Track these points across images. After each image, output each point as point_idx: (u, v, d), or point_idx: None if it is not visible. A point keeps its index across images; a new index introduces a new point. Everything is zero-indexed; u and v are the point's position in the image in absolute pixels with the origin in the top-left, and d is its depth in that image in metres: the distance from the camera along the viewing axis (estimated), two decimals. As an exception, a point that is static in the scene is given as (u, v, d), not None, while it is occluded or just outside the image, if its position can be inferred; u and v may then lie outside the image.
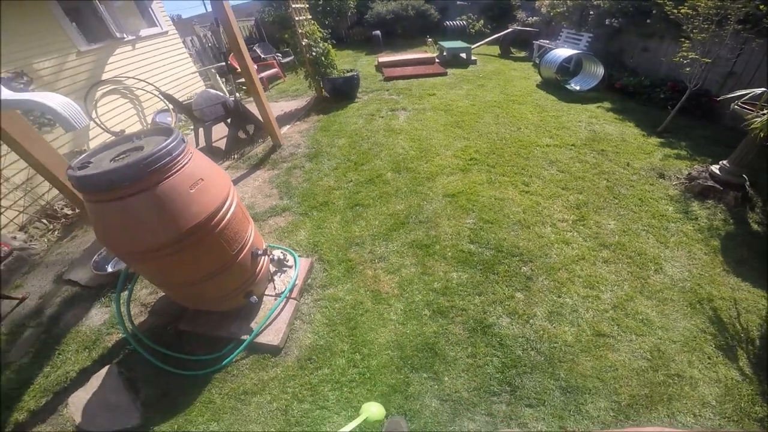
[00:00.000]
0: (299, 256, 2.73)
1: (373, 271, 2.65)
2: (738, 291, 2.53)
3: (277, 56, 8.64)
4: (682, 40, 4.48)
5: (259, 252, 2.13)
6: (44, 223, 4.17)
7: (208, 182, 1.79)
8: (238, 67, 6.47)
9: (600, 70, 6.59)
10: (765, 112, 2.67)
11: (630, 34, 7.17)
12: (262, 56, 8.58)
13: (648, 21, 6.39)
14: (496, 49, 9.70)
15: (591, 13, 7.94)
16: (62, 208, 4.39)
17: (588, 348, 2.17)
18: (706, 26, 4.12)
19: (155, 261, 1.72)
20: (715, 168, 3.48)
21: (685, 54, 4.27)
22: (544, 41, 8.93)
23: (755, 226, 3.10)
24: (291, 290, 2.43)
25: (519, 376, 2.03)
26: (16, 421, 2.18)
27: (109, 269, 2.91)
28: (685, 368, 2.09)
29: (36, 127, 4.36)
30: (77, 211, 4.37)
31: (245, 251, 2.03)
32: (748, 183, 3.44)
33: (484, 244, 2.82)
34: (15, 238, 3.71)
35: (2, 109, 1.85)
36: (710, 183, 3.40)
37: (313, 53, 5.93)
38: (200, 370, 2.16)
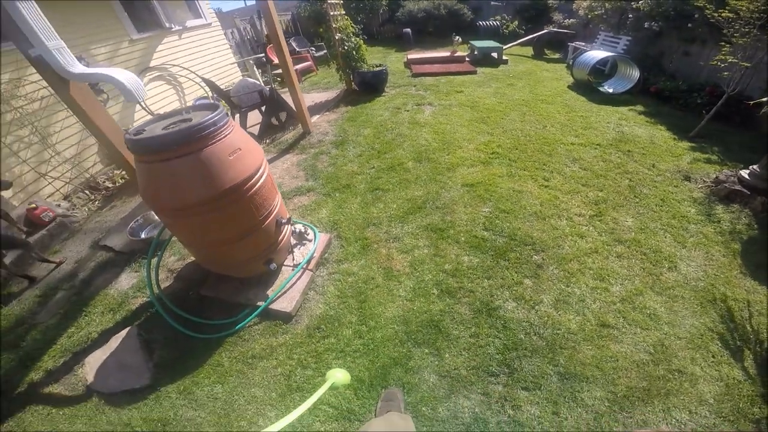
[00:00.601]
0: (319, 231, 2.92)
1: (387, 250, 2.79)
2: (753, 294, 2.48)
3: (311, 50, 8.95)
4: (723, 44, 4.33)
5: (283, 221, 2.32)
6: (86, 194, 4.59)
7: (245, 152, 2.01)
8: (274, 59, 6.77)
9: (635, 74, 6.41)
10: None
11: (671, 38, 6.91)
12: (297, 49, 8.91)
13: (689, 25, 6.15)
14: (529, 50, 9.57)
15: (630, 16, 7.71)
16: (104, 182, 4.80)
17: (591, 337, 2.20)
18: (747, 30, 3.98)
19: (193, 218, 1.94)
20: (744, 173, 3.37)
21: (723, 57, 4.13)
22: (580, 43, 8.74)
23: None
24: (308, 262, 2.62)
25: (518, 359, 2.09)
26: (31, 381, 2.34)
27: (143, 236, 3.20)
28: (687, 365, 2.08)
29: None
30: (117, 184, 4.78)
31: (271, 218, 2.23)
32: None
33: (498, 231, 2.89)
34: (59, 205, 4.11)
35: (77, 81, 2.13)
36: (737, 187, 3.30)
37: (345, 47, 6.14)
38: (215, 334, 2.34)
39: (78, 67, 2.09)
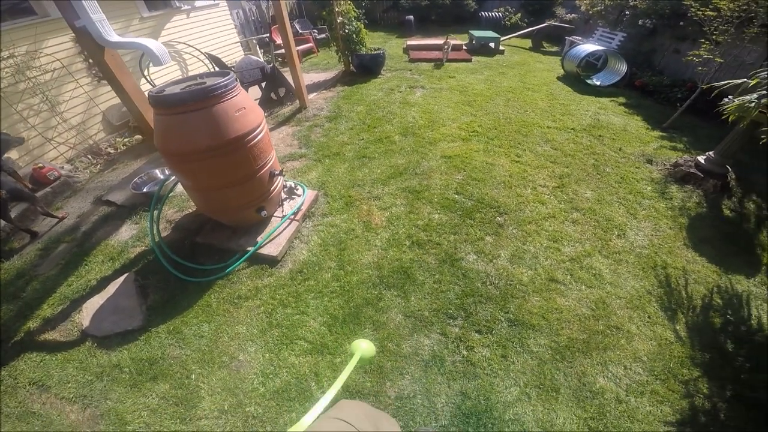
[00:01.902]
0: (308, 188, 3.24)
1: (368, 207, 3.13)
2: (692, 264, 2.78)
3: (313, 32, 9.14)
4: (702, 40, 4.59)
5: (276, 172, 2.64)
6: (89, 158, 4.83)
7: (248, 111, 2.35)
8: (277, 40, 6.99)
9: (623, 68, 6.68)
10: (741, 98, 2.86)
11: (664, 36, 7.14)
12: (300, 31, 9.10)
13: (681, 23, 6.39)
14: (528, 43, 9.77)
15: (627, 13, 7.93)
16: (106, 148, 5.06)
17: (539, 290, 2.51)
18: (724, 28, 4.24)
19: (201, 162, 2.27)
20: (701, 158, 3.69)
21: (697, 53, 4.41)
22: (576, 38, 8.96)
23: (727, 212, 3.32)
24: (296, 213, 2.95)
25: (474, 304, 2.40)
26: (28, 329, 2.45)
27: (145, 190, 3.49)
28: (625, 322, 2.33)
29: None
30: (119, 150, 5.04)
31: (265, 169, 2.55)
32: (733, 176, 3.63)
33: (467, 195, 3.23)
34: (62, 168, 4.38)
35: (113, 48, 2.43)
36: (693, 170, 3.63)
37: (346, 30, 6.37)
38: (206, 278, 2.59)
39: (114, 37, 2.40)
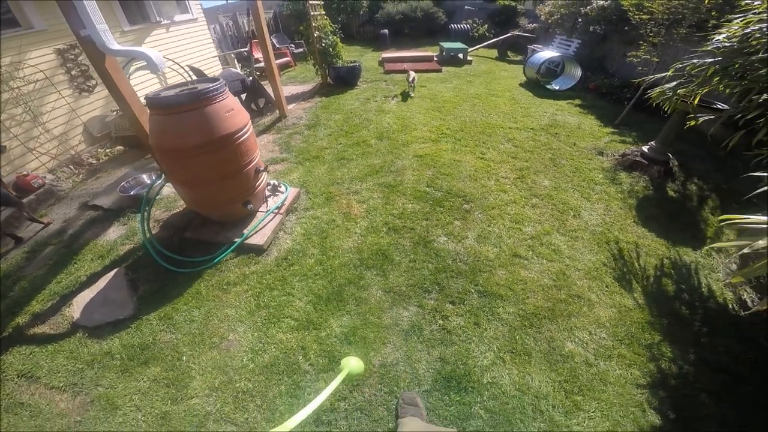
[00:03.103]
0: (290, 186, 3.48)
1: (347, 200, 3.40)
2: (642, 239, 3.11)
3: (290, 47, 9.48)
4: (641, 42, 5.15)
5: (261, 168, 2.89)
6: (71, 169, 4.89)
7: (236, 113, 2.63)
8: (256, 55, 7.26)
9: (578, 72, 7.29)
10: (662, 87, 3.29)
11: (613, 41, 7.82)
12: (277, 45, 9.42)
13: (626, 28, 7.04)
14: (494, 53, 10.39)
15: (580, 20, 8.64)
16: (88, 158, 5.14)
17: (505, 264, 2.80)
18: (656, 30, 4.79)
19: (193, 158, 2.51)
20: (645, 148, 4.16)
21: (636, 54, 4.95)
22: (537, 46, 9.62)
23: (671, 193, 3.74)
24: (280, 207, 3.19)
25: (447, 279, 2.66)
26: (17, 325, 2.50)
27: (132, 193, 3.63)
28: (585, 292, 2.58)
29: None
30: (101, 161, 5.13)
31: (251, 165, 2.80)
32: (675, 162, 4.10)
33: (437, 188, 3.55)
34: (44, 177, 4.46)
35: (114, 56, 2.63)
36: (639, 159, 4.08)
37: (323, 44, 6.72)
38: (196, 268, 2.76)
39: (116, 45, 2.61)
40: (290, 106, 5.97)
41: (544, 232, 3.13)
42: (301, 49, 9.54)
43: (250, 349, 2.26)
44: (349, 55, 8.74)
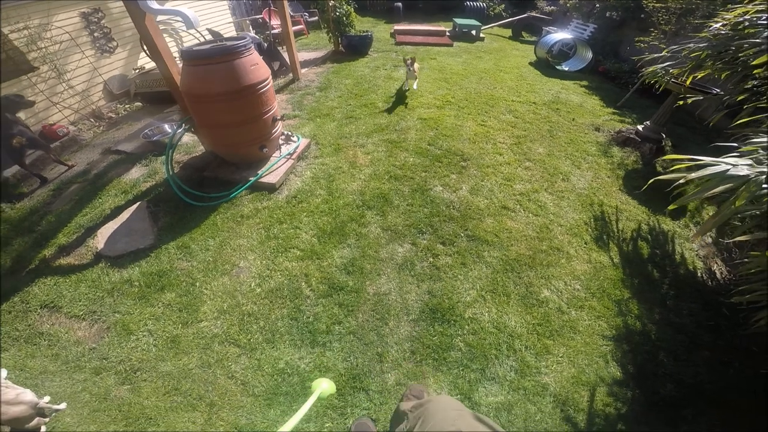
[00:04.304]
0: (302, 137, 3.75)
1: (354, 151, 3.67)
2: (625, 205, 3.34)
3: (304, 15, 9.51)
4: (652, 29, 5.23)
5: (277, 117, 3.16)
6: (91, 121, 5.19)
7: (260, 67, 2.94)
8: (269, 21, 7.39)
9: (588, 54, 7.34)
10: (654, 67, 3.46)
11: (630, 28, 7.81)
12: (292, 14, 9.46)
13: (642, 16, 7.05)
14: (508, 32, 10.33)
15: (597, 5, 8.62)
16: (108, 113, 5.41)
17: (493, 214, 3.07)
18: (667, 18, 4.89)
19: (217, 103, 2.82)
20: (640, 127, 4.34)
21: (645, 39, 5.05)
22: (552, 28, 9.56)
23: (660, 169, 3.91)
24: (292, 153, 3.48)
25: (439, 223, 2.94)
26: (43, 257, 2.64)
27: (155, 139, 3.91)
28: (565, 246, 2.81)
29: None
30: (120, 115, 5.39)
31: (269, 114, 3.09)
32: (669, 142, 4.29)
33: (437, 146, 3.80)
34: (68, 127, 4.74)
35: (153, 14, 2.83)
36: (632, 136, 4.27)
37: (337, 13, 6.82)
38: (213, 202, 3.01)
39: (155, 5, 2.83)
40: (303, 71, 6.14)
41: (533, 190, 3.37)
42: (314, 18, 9.59)
43: (258, 275, 2.51)
44: (362, 25, 8.77)
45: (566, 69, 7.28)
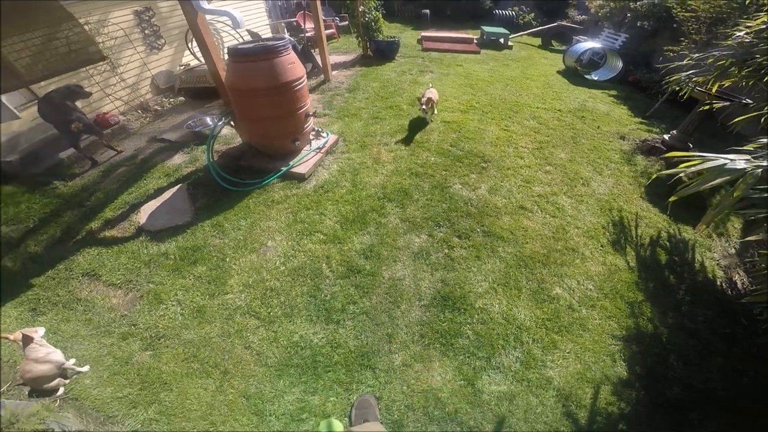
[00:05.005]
0: (331, 133, 3.99)
1: (378, 149, 3.86)
2: (645, 212, 3.33)
3: (335, 19, 9.87)
4: (682, 39, 5.16)
5: (309, 113, 3.40)
6: (139, 113, 5.63)
7: (296, 66, 3.20)
8: (303, 24, 7.75)
9: (619, 64, 7.25)
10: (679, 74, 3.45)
11: (664, 38, 7.66)
12: (324, 18, 9.85)
13: (674, 25, 6.93)
14: (538, 41, 10.29)
15: (628, 15, 8.51)
16: (153, 106, 5.83)
17: (510, 212, 3.15)
18: (697, 27, 4.82)
19: (259, 98, 3.09)
20: (666, 136, 4.31)
21: (673, 48, 4.99)
22: (582, 37, 9.50)
23: (685, 179, 3.87)
24: (321, 147, 3.72)
25: (457, 218, 3.05)
26: (89, 229, 2.88)
27: (197, 129, 4.23)
28: (581, 247, 2.85)
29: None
30: (165, 108, 5.80)
31: (302, 110, 3.34)
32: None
33: (459, 148, 3.92)
34: (119, 117, 5.16)
35: (204, 13, 3.12)
36: (658, 145, 4.24)
37: (366, 19, 7.10)
38: (247, 188, 3.26)
39: (206, 5, 3.13)
40: (333, 73, 6.42)
41: (552, 192, 3.42)
42: (345, 23, 9.92)
43: (283, 254, 2.70)
44: (390, 31, 9.01)
45: (595, 78, 7.22)
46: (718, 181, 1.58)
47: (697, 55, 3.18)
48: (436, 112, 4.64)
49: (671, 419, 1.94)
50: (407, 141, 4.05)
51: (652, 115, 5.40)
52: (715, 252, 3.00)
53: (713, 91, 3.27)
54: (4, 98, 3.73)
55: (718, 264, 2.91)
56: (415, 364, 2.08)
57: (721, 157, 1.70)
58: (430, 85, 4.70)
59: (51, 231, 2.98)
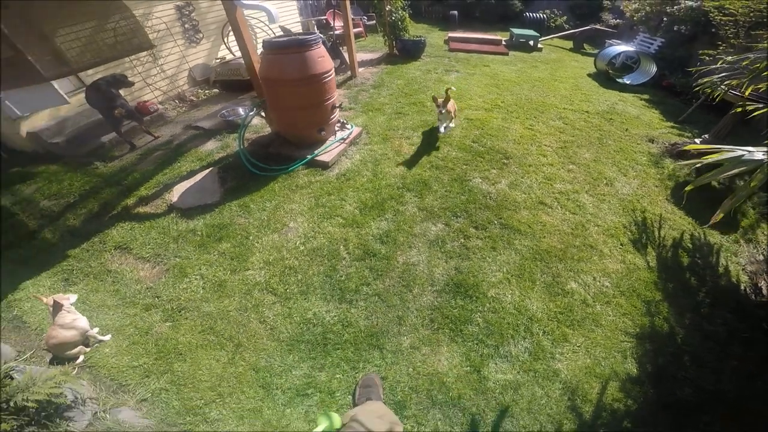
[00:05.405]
0: (355, 126, 4.11)
1: (399, 141, 3.95)
2: (670, 214, 3.26)
3: (363, 18, 10.09)
4: (719, 42, 4.98)
5: (336, 105, 3.55)
6: (176, 102, 5.94)
7: (325, 59, 3.35)
8: (332, 23, 7.96)
9: (653, 68, 7.03)
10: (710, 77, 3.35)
11: (703, 43, 7.36)
12: (352, 17, 10.07)
13: (713, 30, 6.66)
14: (569, 44, 10.07)
15: (665, 19, 8.24)
16: (189, 96, 6.15)
17: (529, 207, 3.15)
18: (735, 31, 4.64)
19: (289, 88, 3.26)
20: (697, 140, 4.17)
21: (709, 52, 4.81)
22: (616, 41, 9.26)
23: (715, 184, 3.75)
24: (345, 138, 3.85)
25: (475, 210, 3.08)
26: (125, 205, 3.08)
27: (230, 118, 4.45)
28: (599, 244, 2.82)
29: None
30: (200, 99, 6.10)
31: (330, 101, 3.50)
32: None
33: (481, 144, 3.95)
34: (158, 105, 5.47)
35: (242, 8, 3.33)
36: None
37: (393, 18, 7.23)
38: (274, 173, 3.42)
39: (246, 0, 3.34)
40: (360, 70, 6.56)
41: (573, 190, 3.40)
42: (372, 22, 10.10)
43: (303, 235, 2.81)
44: (416, 31, 9.06)
45: (627, 82, 7.02)
46: (734, 171, 1.57)
47: (731, 57, 3.09)
48: (453, 125, 4.27)
49: (679, 420, 1.90)
50: (429, 135, 4.11)
51: (686, 119, 5.22)
52: (742, 257, 2.90)
53: (746, 94, 3.16)
54: (56, 84, 4.07)
55: (743, 269, 2.81)
56: (422, 347, 2.12)
57: (739, 149, 1.69)
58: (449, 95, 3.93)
59: (89, 206, 3.19)
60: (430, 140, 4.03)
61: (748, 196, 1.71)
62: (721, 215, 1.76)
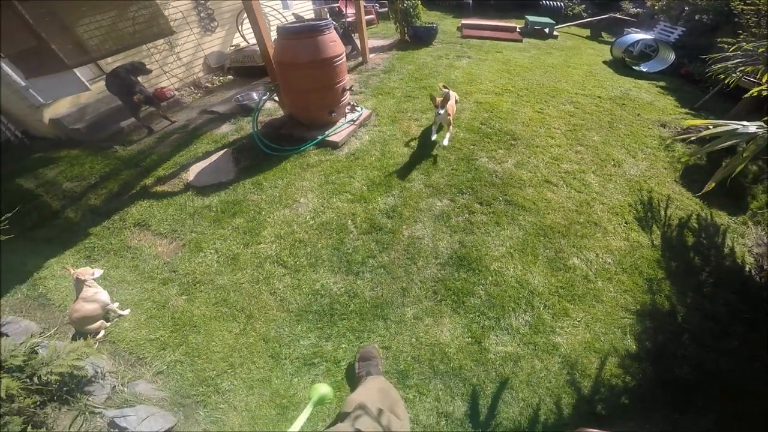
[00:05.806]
0: (365, 108, 4.20)
1: (408, 123, 4.01)
2: (678, 195, 3.25)
3: (375, 6, 10.09)
4: (740, 32, 4.84)
5: (346, 88, 3.64)
6: (191, 89, 6.12)
7: (337, 44, 3.45)
8: (344, 10, 7.99)
9: (671, 56, 6.86)
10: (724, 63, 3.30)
11: (725, 32, 7.13)
12: (364, 4, 10.08)
13: (736, 20, 6.44)
14: (586, 32, 9.87)
15: (686, 8, 8.04)
16: (204, 83, 6.31)
17: (534, 185, 3.19)
18: (757, 20, 4.51)
19: (302, 71, 3.37)
20: (712, 124, 4.09)
21: (728, 40, 4.68)
22: (634, 29, 9.03)
23: (723, 164, 3.69)
24: (355, 120, 3.94)
25: (480, 187, 3.13)
26: (144, 185, 3.21)
27: (244, 103, 4.58)
28: (603, 222, 2.84)
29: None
30: (215, 85, 6.26)
31: (341, 84, 3.60)
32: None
33: (490, 126, 3.98)
34: (173, 92, 5.65)
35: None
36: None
37: (405, 4, 7.23)
38: (286, 153, 3.53)
39: None
40: (371, 56, 6.61)
41: (580, 170, 3.41)
42: (384, 9, 10.09)
43: (313, 210, 2.92)
44: (429, 18, 9.03)
45: (644, 70, 6.89)
46: (728, 143, 1.62)
47: (747, 45, 3.05)
48: (451, 131, 3.59)
49: (677, 397, 1.92)
50: (437, 118, 4.15)
51: (702, 106, 5.12)
52: (749, 239, 2.89)
53: (764, 80, 3.11)
54: (77, 72, 4.24)
55: (749, 251, 2.81)
56: (425, 318, 2.17)
57: (734, 123, 1.73)
58: (450, 91, 3.61)
59: (109, 186, 3.35)
60: (440, 122, 4.08)
61: (742, 165, 1.74)
62: (713, 184, 1.80)
